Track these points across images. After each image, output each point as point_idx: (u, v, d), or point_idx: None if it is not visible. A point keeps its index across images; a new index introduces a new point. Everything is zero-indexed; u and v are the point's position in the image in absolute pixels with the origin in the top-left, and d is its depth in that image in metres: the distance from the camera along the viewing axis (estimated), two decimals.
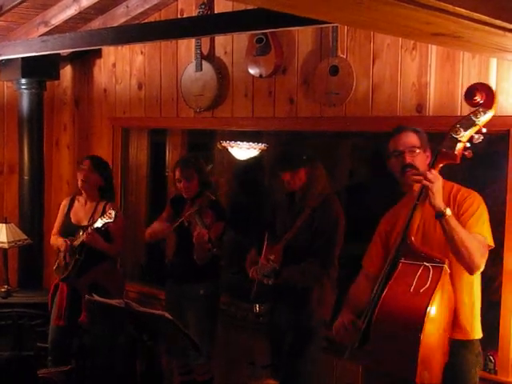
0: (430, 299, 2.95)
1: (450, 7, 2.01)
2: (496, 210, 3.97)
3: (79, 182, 5.05)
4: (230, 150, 5.95)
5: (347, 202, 5.15)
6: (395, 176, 3.39)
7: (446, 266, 3.07)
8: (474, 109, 3.03)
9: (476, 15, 2.11)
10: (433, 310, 2.97)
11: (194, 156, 5.05)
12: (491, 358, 3.90)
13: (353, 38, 4.35)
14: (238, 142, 5.81)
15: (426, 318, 2.92)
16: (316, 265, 4.10)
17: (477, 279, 3.26)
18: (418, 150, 3.29)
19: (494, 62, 3.81)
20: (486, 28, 2.29)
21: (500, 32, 2.37)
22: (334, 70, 4.37)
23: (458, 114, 3.91)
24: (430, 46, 4.03)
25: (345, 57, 4.37)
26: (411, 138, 3.32)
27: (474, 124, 3.00)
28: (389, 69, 4.23)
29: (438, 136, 3.24)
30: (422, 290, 2.98)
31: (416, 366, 2.91)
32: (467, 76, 3.91)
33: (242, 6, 4.73)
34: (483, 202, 3.25)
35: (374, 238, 3.57)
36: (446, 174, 3.20)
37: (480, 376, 3.82)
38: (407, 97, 4.16)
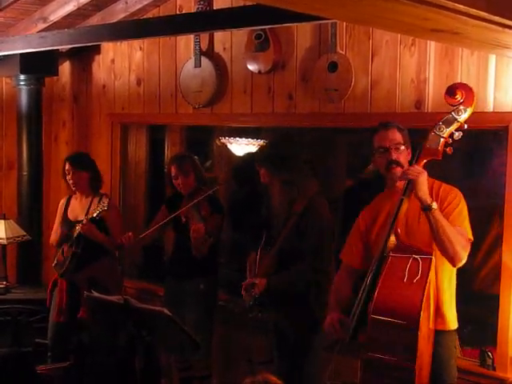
0: (424, 289, 3.04)
1: (448, 3, 2.01)
2: (492, 206, 4.02)
3: (71, 186, 5.08)
4: (229, 146, 5.94)
5: (344, 201, 5.15)
6: (380, 172, 3.49)
7: (433, 258, 3.16)
8: (454, 107, 3.16)
9: (474, 11, 2.11)
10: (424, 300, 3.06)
11: (188, 152, 5.06)
12: (489, 354, 3.91)
13: (352, 34, 4.35)
14: (237, 138, 5.80)
15: (422, 307, 3.01)
16: (305, 268, 4.06)
17: (454, 270, 3.36)
18: (402, 147, 3.39)
19: (492, 58, 3.80)
20: (485, 24, 2.29)
21: (499, 28, 2.37)
22: (333, 67, 4.37)
23: None
24: (428, 42, 4.02)
25: (344, 53, 4.37)
26: (396, 135, 3.40)
27: (455, 121, 3.15)
28: (388, 65, 4.22)
29: None
30: (415, 281, 3.08)
31: (416, 354, 2.99)
32: (466, 72, 3.90)
33: (240, 2, 4.73)
34: (463, 198, 3.34)
35: (353, 233, 3.65)
36: (431, 169, 3.26)
37: (479, 372, 3.87)
38: (406, 93, 4.16)
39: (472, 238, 3.31)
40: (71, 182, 5.04)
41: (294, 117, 4.70)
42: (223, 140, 5.95)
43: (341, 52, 4.36)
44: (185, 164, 4.70)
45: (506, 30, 2.39)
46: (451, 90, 3.16)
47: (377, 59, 4.27)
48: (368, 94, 4.31)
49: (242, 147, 5.83)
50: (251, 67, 4.82)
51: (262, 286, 4.04)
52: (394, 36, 4.15)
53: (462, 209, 3.30)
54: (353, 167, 5.38)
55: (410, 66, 4.13)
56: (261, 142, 5.67)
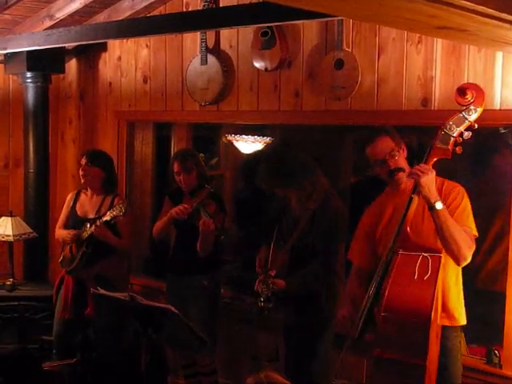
0: (434, 286, 3.07)
1: (455, 0, 2.00)
2: (493, 203, 4.03)
3: (81, 179, 5.07)
4: (235, 143, 5.94)
5: (352, 197, 5.14)
6: (384, 179, 3.53)
7: (443, 256, 3.18)
8: (464, 107, 3.19)
9: (481, 8, 2.10)
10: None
11: (192, 149, 5.04)
12: (496, 352, 3.90)
13: (358, 31, 4.34)
14: (243, 136, 5.80)
15: (433, 304, 3.04)
16: (318, 268, 4.05)
17: (460, 268, 3.39)
18: (396, 152, 3.43)
19: (499, 55, 3.79)
20: (492, 21, 2.28)
21: (506, 25, 2.36)
22: (339, 64, 4.36)
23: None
24: (435, 39, 4.01)
25: (350, 50, 4.36)
26: (387, 143, 3.44)
27: (465, 120, 3.17)
28: (394, 62, 4.21)
29: None
30: (425, 278, 3.11)
31: (427, 351, 3.03)
32: (473, 70, 3.89)
33: (246, 0, 4.73)
34: (466, 194, 3.37)
35: (358, 232, 3.70)
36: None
37: (485, 370, 3.87)
38: (412, 90, 4.15)
39: (477, 234, 3.34)
40: (82, 174, 5.01)
41: (301, 114, 4.69)
42: (229, 137, 5.96)
43: (347, 49, 4.36)
44: (188, 161, 4.68)
45: None
46: (462, 90, 3.19)
47: (383, 57, 4.26)
48: (374, 92, 4.31)
49: (248, 144, 5.84)
50: (257, 64, 4.81)
51: (280, 286, 4.04)
52: (400, 33, 4.14)
53: (465, 205, 3.33)
54: (359, 165, 5.38)
55: (417, 64, 4.12)
56: (267, 139, 5.67)
